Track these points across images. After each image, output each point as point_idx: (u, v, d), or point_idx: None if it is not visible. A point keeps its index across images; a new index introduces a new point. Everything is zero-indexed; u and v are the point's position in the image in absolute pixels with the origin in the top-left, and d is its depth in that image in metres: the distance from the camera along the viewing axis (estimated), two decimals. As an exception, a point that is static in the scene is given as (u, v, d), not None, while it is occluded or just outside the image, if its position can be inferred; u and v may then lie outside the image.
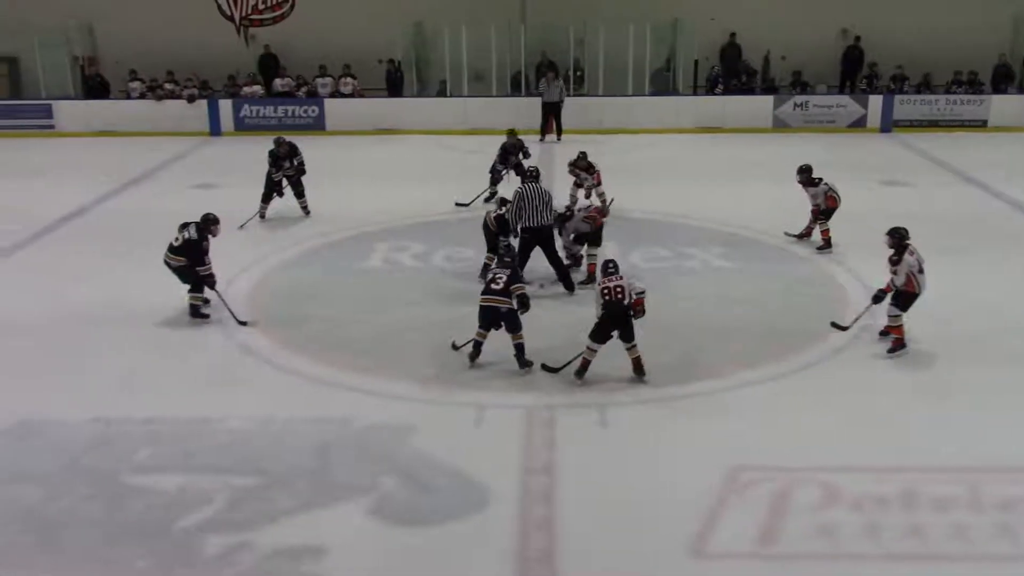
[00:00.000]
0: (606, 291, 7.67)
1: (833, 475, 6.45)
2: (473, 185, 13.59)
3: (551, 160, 15.62)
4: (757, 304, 9.74)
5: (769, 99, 20.39)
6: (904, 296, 8.36)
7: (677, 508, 6.12)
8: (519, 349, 8.13)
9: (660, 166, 16.57)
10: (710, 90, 21.04)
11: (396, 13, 20.78)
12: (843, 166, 15.37)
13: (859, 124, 20.13)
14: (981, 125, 20.08)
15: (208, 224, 9.27)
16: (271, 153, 13.04)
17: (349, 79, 20.85)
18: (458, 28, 20.30)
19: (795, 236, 11.70)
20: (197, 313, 9.30)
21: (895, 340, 8.43)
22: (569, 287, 9.98)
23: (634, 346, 7.80)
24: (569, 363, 7.98)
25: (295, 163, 13.06)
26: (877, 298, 8.53)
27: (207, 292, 9.36)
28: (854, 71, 21.16)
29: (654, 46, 20.82)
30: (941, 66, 20.53)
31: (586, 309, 8.82)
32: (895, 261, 8.34)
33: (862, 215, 12.04)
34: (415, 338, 8.89)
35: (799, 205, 11.75)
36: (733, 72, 21.07)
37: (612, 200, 12.07)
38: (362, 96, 20.89)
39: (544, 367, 8.07)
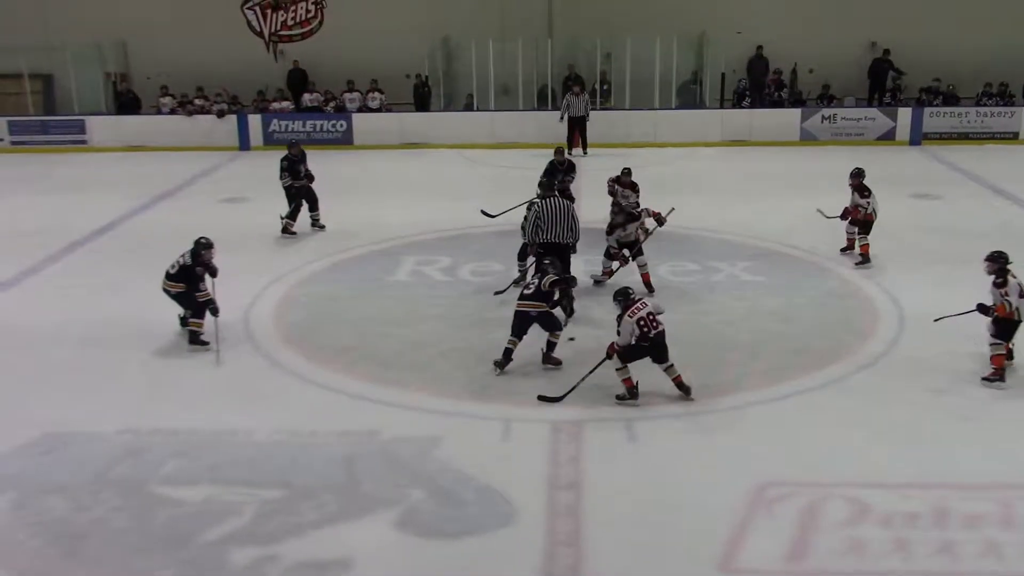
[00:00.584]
0: (642, 322, 7.52)
1: (862, 491, 6.38)
2: (499, 198, 13.57)
3: (577, 174, 15.58)
4: (785, 318, 9.67)
5: (797, 112, 20.29)
6: (1002, 324, 8.06)
7: (705, 523, 6.07)
8: (550, 347, 8.30)
9: (687, 179, 16.51)
10: (737, 103, 20.99)
11: (423, 28, 20.93)
12: (873, 179, 15.20)
13: (888, 137, 19.99)
14: (1012, 137, 19.88)
15: (200, 249, 8.98)
16: (286, 159, 12.91)
17: (377, 94, 20.98)
18: (485, 43, 20.39)
19: (827, 216, 11.63)
20: (197, 340, 9.00)
21: (993, 370, 8.07)
22: (569, 312, 9.16)
23: (671, 365, 7.71)
24: (569, 393, 7.74)
25: (307, 169, 13.01)
26: (982, 308, 8.18)
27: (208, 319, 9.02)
28: (883, 84, 21.03)
29: (681, 59, 20.81)
30: (971, 78, 20.38)
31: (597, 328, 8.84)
32: (1000, 284, 8.06)
33: (893, 228, 11.97)
34: (442, 351, 8.90)
35: (828, 223, 11.65)
36: (760, 85, 21.00)
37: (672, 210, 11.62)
38: (390, 110, 21.02)
39: (541, 398, 7.80)
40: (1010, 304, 7.98)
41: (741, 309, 9.90)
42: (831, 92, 20.84)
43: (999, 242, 11.68)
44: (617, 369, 7.68)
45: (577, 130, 18.95)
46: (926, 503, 6.22)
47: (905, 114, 20.04)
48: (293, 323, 9.71)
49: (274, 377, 8.47)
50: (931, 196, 15.00)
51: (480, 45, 20.45)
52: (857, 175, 11.47)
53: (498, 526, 6.07)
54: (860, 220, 11.29)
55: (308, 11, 22.22)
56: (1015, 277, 8.05)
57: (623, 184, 11.99)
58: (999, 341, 8.07)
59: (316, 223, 13.21)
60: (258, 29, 22.30)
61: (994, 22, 20.24)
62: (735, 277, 11.00)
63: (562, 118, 18.92)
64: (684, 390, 7.73)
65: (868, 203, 11.27)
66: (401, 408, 7.74)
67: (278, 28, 22.28)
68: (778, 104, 20.77)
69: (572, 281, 8.90)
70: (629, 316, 7.59)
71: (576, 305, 9.29)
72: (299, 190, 12.95)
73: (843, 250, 11.64)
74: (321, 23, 22.22)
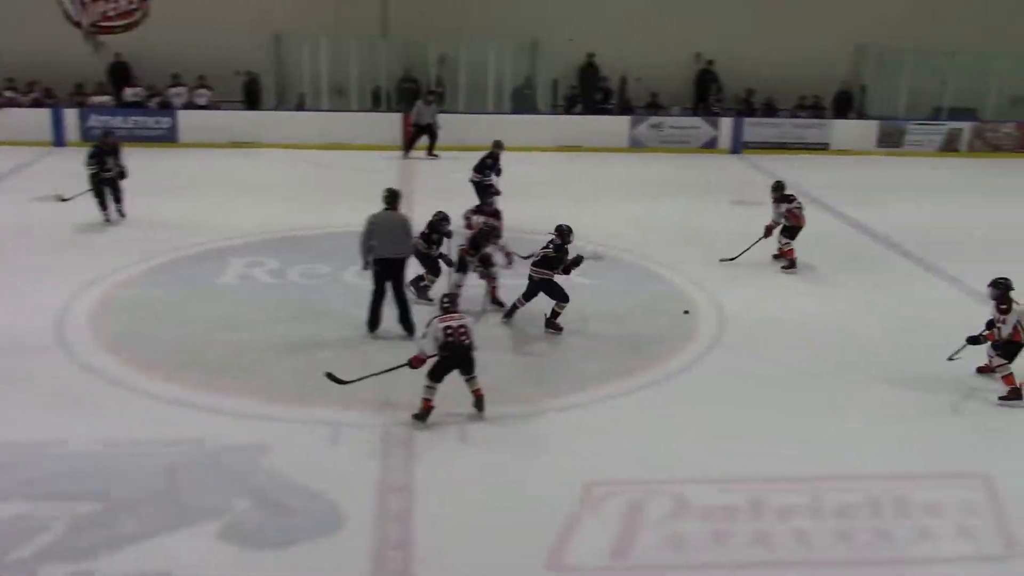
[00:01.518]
0: (449, 331, 7.40)
1: (684, 486, 6.63)
2: (331, 199, 13.38)
3: (411, 178, 15.58)
4: (616, 320, 9.93)
5: (626, 119, 20.88)
6: (1010, 346, 8.18)
7: (534, 523, 6.16)
8: (554, 315, 9.07)
9: (521, 184, 16.64)
10: (568, 109, 21.42)
11: (254, 23, 20.33)
12: (696, 186, 15.91)
13: (711, 145, 20.83)
14: (823, 148, 21.07)
15: None
16: (95, 149, 12.95)
17: (204, 90, 20.30)
18: (317, 41, 20.06)
19: (731, 259, 11.94)
20: None
21: (1010, 391, 8.19)
22: (409, 329, 9.20)
23: (474, 378, 7.57)
24: (361, 379, 7.70)
25: (119, 163, 13.00)
26: (974, 340, 8.34)
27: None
28: (706, 94, 21.90)
29: (515, 65, 21.06)
30: (788, 91, 21.49)
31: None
32: (1004, 311, 8.17)
33: (713, 233, 12.47)
34: (270, 356, 8.71)
35: (657, 223, 12.03)
36: (591, 92, 21.50)
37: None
38: (218, 108, 20.36)
39: (329, 376, 7.72)
40: (999, 332, 8.17)
41: (573, 312, 10.06)
42: (658, 101, 21.54)
43: (815, 249, 12.41)
44: (426, 386, 7.46)
45: (425, 135, 18.94)
46: (743, 496, 6.52)
47: (727, 124, 20.94)
48: (113, 328, 9.28)
49: (92, 385, 8.06)
50: (750, 203, 15.67)
51: (312, 43, 20.10)
52: (776, 188, 11.93)
53: (326, 533, 5.99)
54: (789, 227, 11.77)
55: (131, 2, 21.29)
56: (1019, 305, 8.16)
57: (487, 213, 11.94)
58: (1004, 362, 8.21)
59: (118, 212, 13.28)
60: (75, 19, 21.21)
61: (810, 39, 21.32)
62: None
63: (415, 122, 18.86)
64: (479, 407, 7.58)
65: (780, 210, 11.70)
66: (227, 415, 7.52)
67: (98, 18, 21.25)
68: (607, 111, 21.33)
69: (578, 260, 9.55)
70: (439, 322, 7.50)
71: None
72: (103, 181, 12.90)
73: (775, 256, 12.05)
74: (145, 14, 21.32)
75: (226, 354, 8.73)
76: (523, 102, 21.68)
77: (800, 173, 18.13)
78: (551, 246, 9.46)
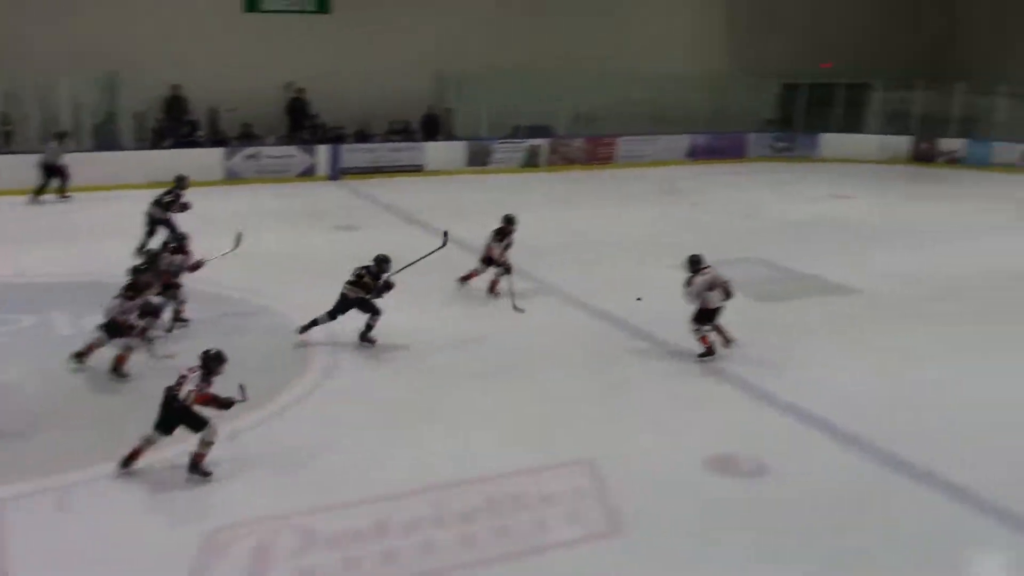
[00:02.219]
0: (180, 376, 7.12)
1: (308, 518, 6.56)
2: None
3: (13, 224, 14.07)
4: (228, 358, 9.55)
5: (219, 151, 20.34)
6: (703, 312, 9.64)
7: (155, 583, 5.80)
8: (368, 328, 9.93)
9: (115, 225, 15.60)
10: (156, 144, 20.46)
11: None
12: (296, 214, 15.86)
13: (309, 173, 20.89)
14: (418, 170, 21.92)
15: None
16: None
17: None
18: None
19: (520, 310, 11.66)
20: None
21: (707, 349, 9.71)
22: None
23: (149, 440, 7.07)
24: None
25: None
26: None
27: None
28: (301, 122, 21.91)
29: (93, 99, 19.76)
30: (379, 117, 22.12)
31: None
32: (688, 283, 9.61)
33: (314, 259, 12.47)
34: None
35: (260, 254, 11.80)
36: (179, 125, 20.72)
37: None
38: None
39: None
40: (689, 298, 9.61)
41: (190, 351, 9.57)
42: (252, 131, 21.19)
43: (422, 269, 12.79)
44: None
45: (54, 176, 17.43)
46: (367, 518, 6.56)
47: (323, 151, 21.11)
48: None
49: None
50: (351, 227, 15.92)
51: None
52: (510, 220, 12.22)
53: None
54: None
55: None
56: (703, 275, 9.58)
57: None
58: (698, 326, 9.68)
59: None
60: None
61: (395, 66, 22.04)
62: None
63: (48, 163, 17.39)
64: (127, 462, 7.06)
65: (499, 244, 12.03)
66: None
67: None
68: (198, 144, 20.65)
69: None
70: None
71: None
72: None
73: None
74: None
75: None
76: (106, 137, 20.41)
77: (398, 195, 18.83)
78: (367, 270, 9.94)
